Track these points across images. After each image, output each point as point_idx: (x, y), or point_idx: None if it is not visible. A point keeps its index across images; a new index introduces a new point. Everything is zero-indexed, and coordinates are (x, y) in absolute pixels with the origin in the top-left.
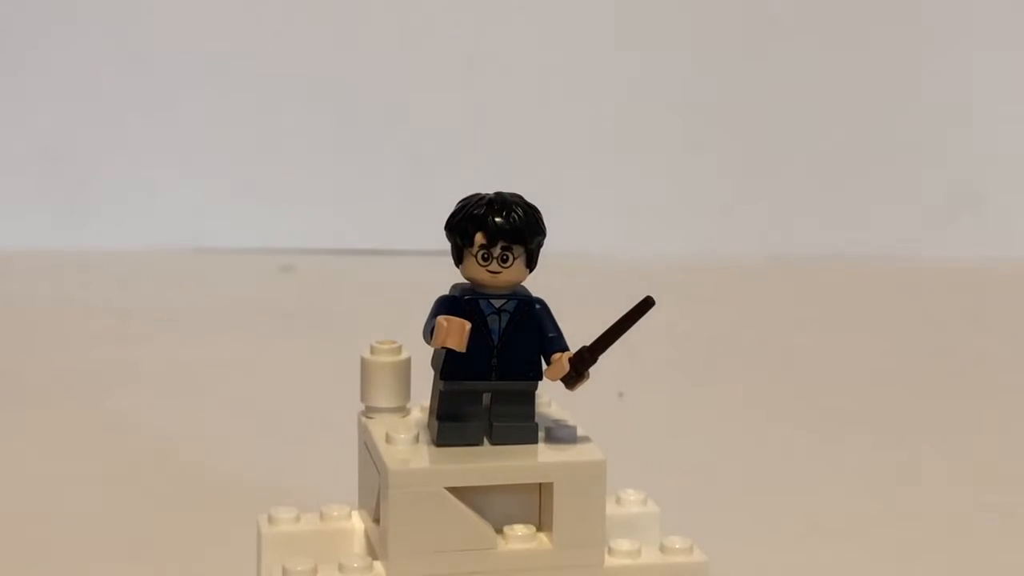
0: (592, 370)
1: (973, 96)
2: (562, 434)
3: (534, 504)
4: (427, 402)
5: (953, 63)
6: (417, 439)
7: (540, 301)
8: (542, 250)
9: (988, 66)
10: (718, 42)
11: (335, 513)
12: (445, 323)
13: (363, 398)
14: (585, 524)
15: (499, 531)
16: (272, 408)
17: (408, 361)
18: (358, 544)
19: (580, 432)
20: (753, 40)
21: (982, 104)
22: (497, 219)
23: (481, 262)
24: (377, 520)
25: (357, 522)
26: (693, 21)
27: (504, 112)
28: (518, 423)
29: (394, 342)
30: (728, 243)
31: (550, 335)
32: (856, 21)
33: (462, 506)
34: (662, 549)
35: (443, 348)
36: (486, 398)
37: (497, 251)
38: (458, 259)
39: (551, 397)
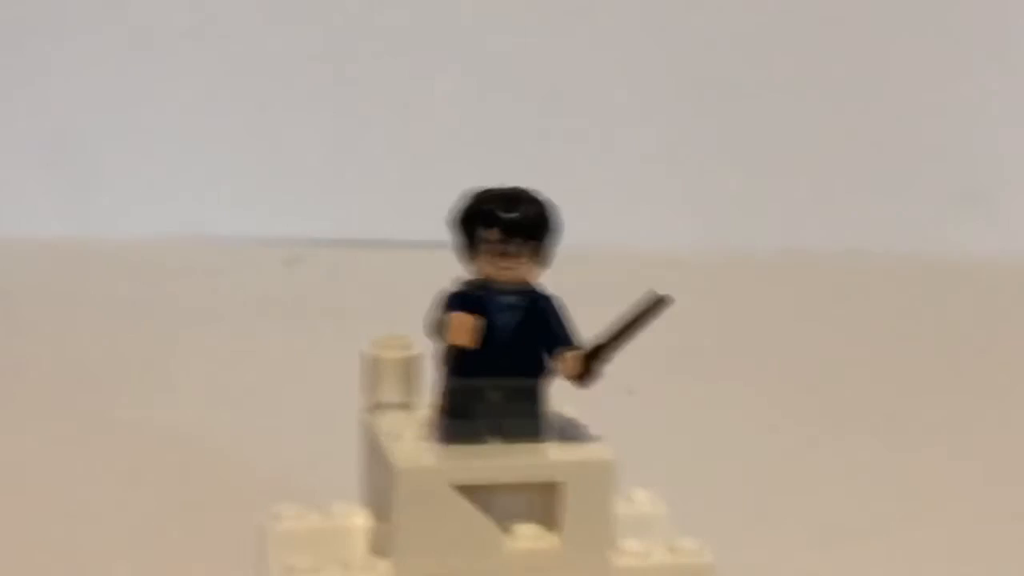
0: None
1: (982, 93)
2: (571, 432)
3: (542, 503)
4: (434, 398)
5: (961, 61)
6: (424, 436)
7: (552, 297)
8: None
9: (995, 64)
10: (728, 37)
11: (340, 511)
12: (455, 320)
13: (370, 394)
14: (594, 524)
15: (507, 530)
16: (277, 402)
17: (416, 357)
18: (362, 542)
19: (589, 430)
20: (763, 36)
21: (991, 101)
22: (510, 214)
23: (492, 257)
24: (382, 518)
25: (362, 520)
26: (701, 16)
27: (512, 104)
28: (526, 420)
29: (403, 337)
30: (738, 238)
31: (561, 332)
32: (865, 19)
33: (469, 505)
34: (671, 550)
35: (451, 344)
36: (494, 395)
37: (510, 245)
38: (468, 253)
39: (561, 394)
